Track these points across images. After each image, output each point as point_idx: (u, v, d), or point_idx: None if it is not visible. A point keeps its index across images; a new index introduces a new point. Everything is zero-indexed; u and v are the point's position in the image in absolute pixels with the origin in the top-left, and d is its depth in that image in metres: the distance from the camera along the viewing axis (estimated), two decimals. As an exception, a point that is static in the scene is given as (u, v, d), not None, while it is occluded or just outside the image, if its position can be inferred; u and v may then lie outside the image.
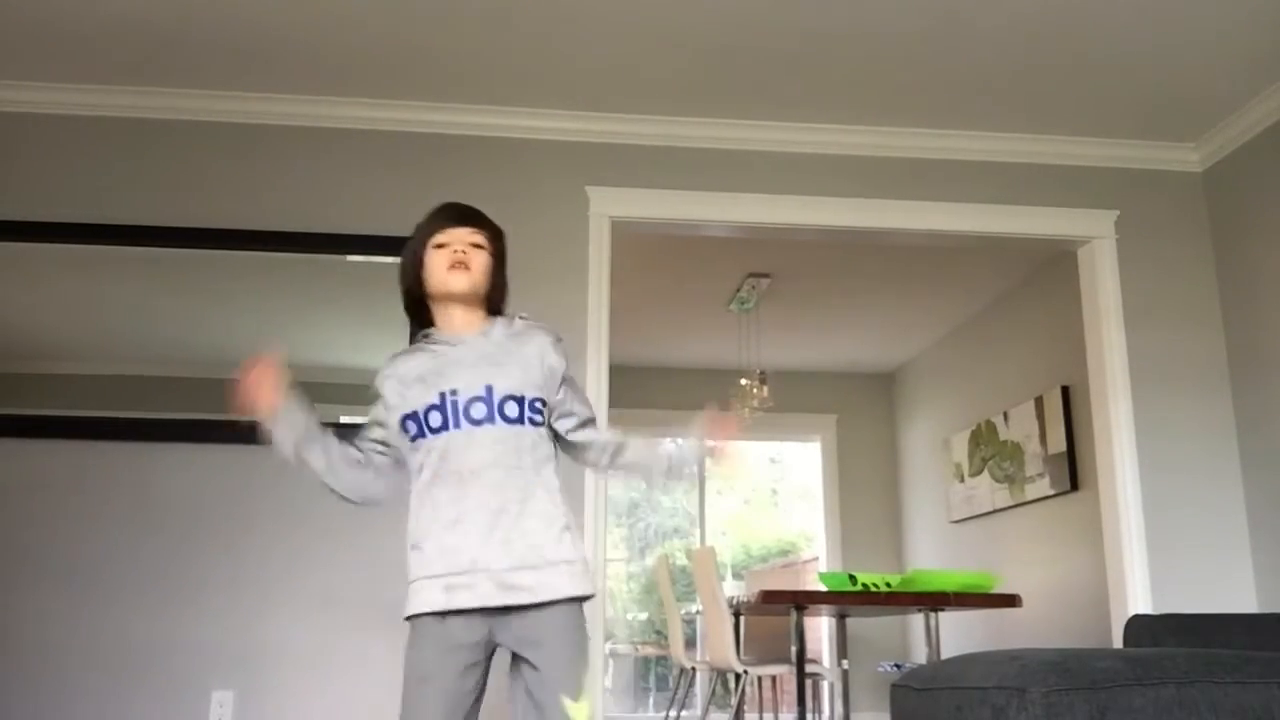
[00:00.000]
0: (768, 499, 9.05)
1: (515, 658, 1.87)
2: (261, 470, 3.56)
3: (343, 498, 2.00)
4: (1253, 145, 3.88)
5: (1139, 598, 3.72)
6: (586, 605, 1.90)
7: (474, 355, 1.92)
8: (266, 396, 1.91)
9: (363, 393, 3.68)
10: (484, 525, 1.83)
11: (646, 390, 7.42)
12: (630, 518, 8.73)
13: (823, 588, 4.09)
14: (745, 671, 4.75)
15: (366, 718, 3.42)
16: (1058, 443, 5.39)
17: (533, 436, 1.89)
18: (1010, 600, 4.09)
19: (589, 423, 2.00)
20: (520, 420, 1.88)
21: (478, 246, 1.98)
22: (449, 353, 1.93)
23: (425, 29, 3.40)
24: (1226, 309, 4.00)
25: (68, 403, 3.56)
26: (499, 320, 2.00)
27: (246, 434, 3.45)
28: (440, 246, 1.97)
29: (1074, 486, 5.26)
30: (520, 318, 2.02)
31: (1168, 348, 3.96)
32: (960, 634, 6.20)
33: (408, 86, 3.76)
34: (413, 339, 2.07)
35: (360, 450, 2.01)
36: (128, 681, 3.37)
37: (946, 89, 3.73)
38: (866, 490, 7.71)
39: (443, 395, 1.88)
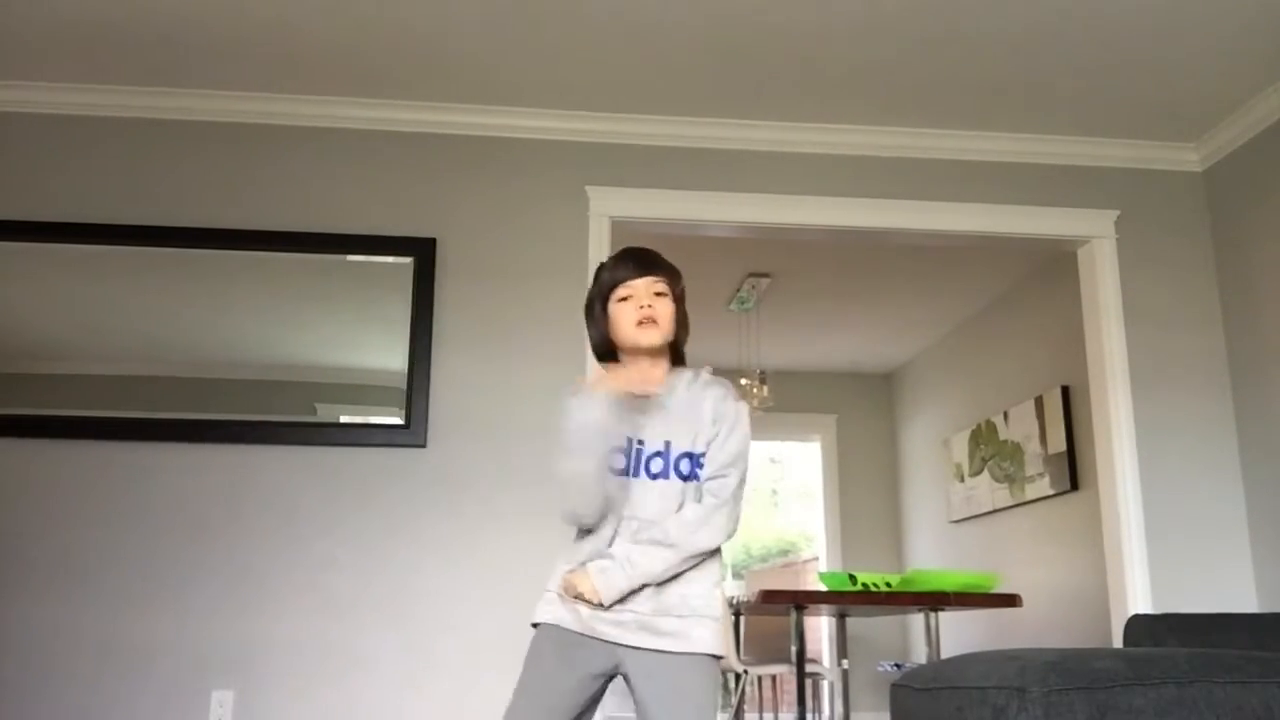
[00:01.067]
0: (768, 499, 9.05)
1: (634, 694, 1.88)
2: (261, 470, 3.57)
3: (585, 512, 1.93)
4: (1253, 145, 3.88)
5: (1139, 598, 3.72)
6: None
7: (659, 409, 1.94)
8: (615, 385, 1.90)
9: (362, 392, 3.70)
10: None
11: (646, 390, 7.42)
12: (630, 518, 8.72)
13: (823, 587, 4.09)
14: (745, 671, 4.75)
15: (366, 718, 3.42)
16: (1058, 443, 5.39)
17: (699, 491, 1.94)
18: (1010, 600, 4.09)
19: (712, 479, 1.93)
20: (692, 476, 1.91)
21: (660, 295, 1.97)
22: (637, 402, 1.94)
23: (425, 29, 3.40)
24: (1226, 309, 4.00)
25: (68, 403, 3.56)
26: (684, 374, 2.01)
27: (246, 434, 3.45)
28: (624, 300, 1.95)
29: (1074, 486, 5.26)
30: (707, 373, 2.02)
31: (1168, 348, 3.96)
32: (960, 634, 6.20)
33: (408, 86, 3.76)
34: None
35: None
36: (128, 681, 3.37)
37: (947, 89, 3.73)
38: (866, 490, 7.71)
39: (629, 442, 1.91)
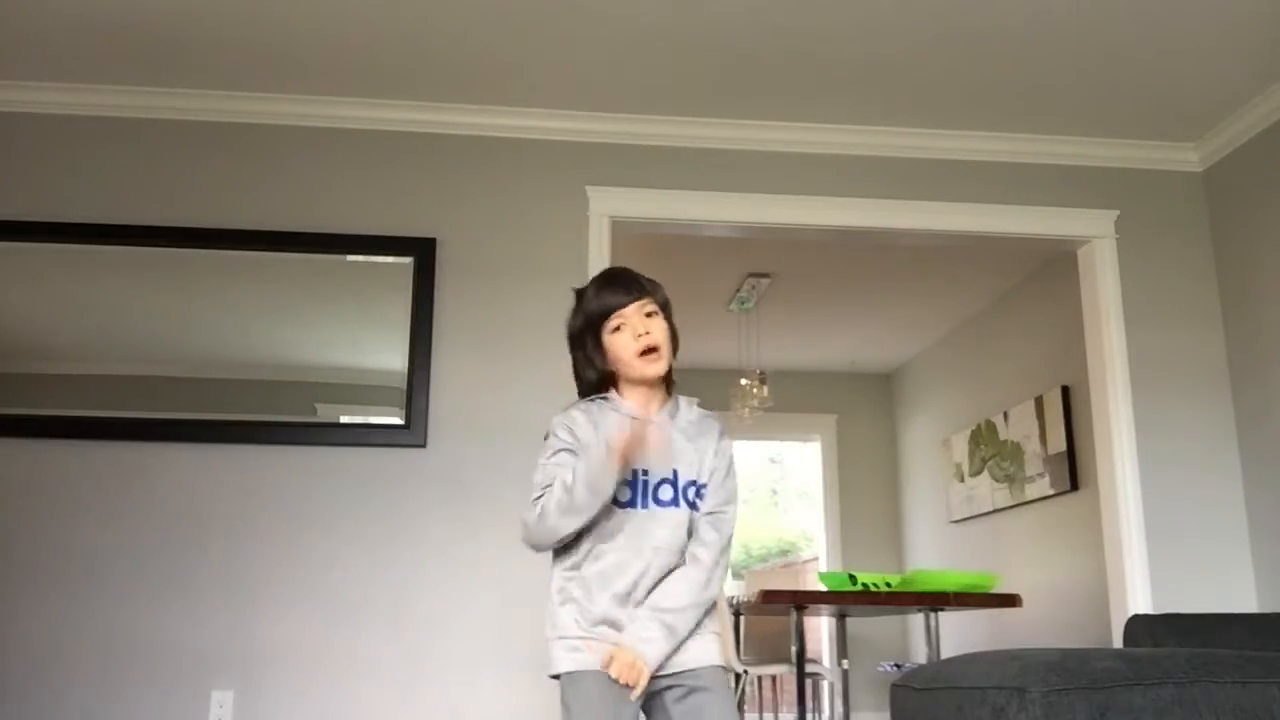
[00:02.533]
0: (768, 499, 9.05)
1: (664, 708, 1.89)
2: (261, 470, 3.57)
3: (553, 540, 1.92)
4: (1253, 145, 3.88)
5: (1139, 598, 3.72)
6: None
7: (663, 438, 1.91)
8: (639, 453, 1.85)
9: (362, 392, 3.70)
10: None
11: (646, 390, 7.41)
12: (630, 518, 8.72)
13: (823, 588, 4.09)
14: (745, 671, 4.75)
15: (366, 718, 3.42)
16: (1058, 443, 5.39)
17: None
18: (1010, 600, 4.09)
19: (710, 515, 1.94)
20: (695, 505, 1.92)
21: (650, 315, 1.95)
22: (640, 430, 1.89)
23: (425, 29, 3.40)
24: (1226, 309, 4.00)
25: (68, 403, 3.56)
26: (681, 402, 1.99)
27: (246, 434, 3.45)
28: (618, 329, 1.92)
29: (1074, 486, 5.26)
30: (697, 404, 2.02)
31: (1168, 348, 3.96)
32: (960, 634, 6.20)
33: (408, 86, 3.76)
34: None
35: None
36: (128, 681, 3.37)
37: (947, 89, 3.73)
38: (866, 490, 7.71)
39: (635, 473, 1.88)
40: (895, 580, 4.13)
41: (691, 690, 1.87)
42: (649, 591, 1.86)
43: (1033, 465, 5.64)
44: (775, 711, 6.51)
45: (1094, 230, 4.04)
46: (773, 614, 5.09)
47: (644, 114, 3.91)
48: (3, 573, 3.41)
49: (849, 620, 5.60)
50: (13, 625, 3.38)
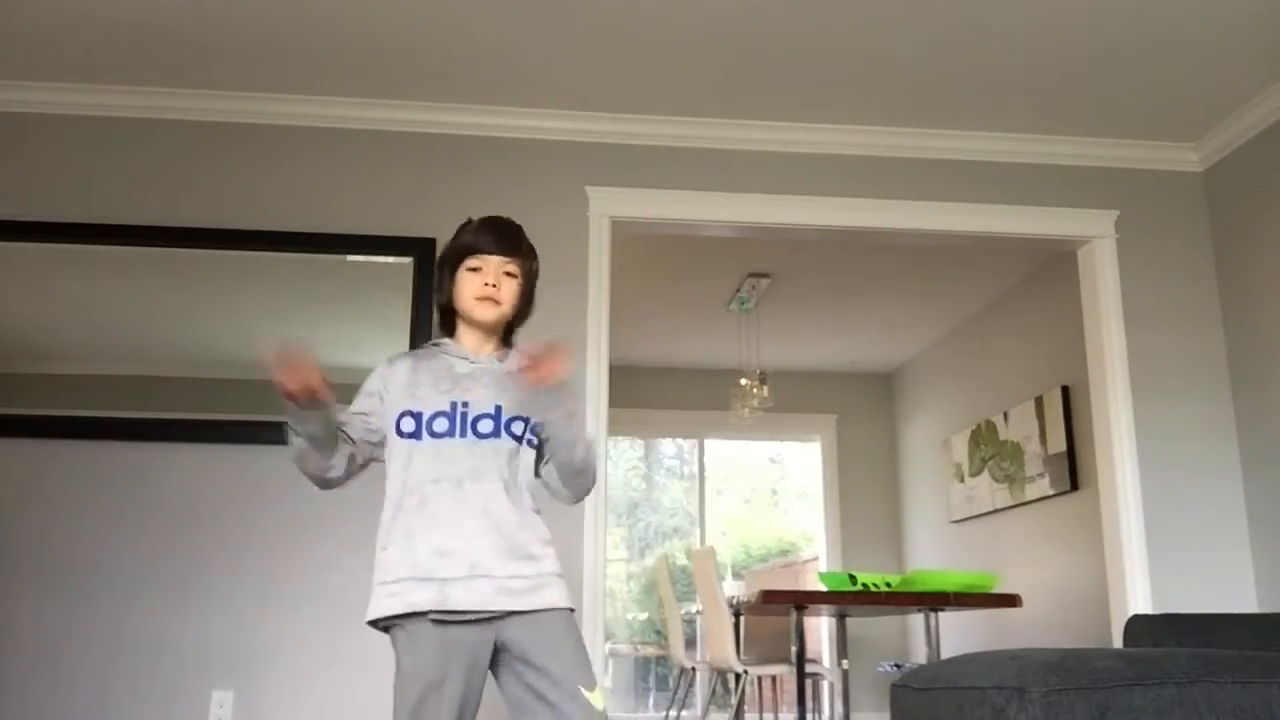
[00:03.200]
0: (768, 499, 9.05)
1: (511, 664, 1.88)
2: (261, 470, 3.57)
3: (314, 478, 2.02)
4: (1253, 145, 3.88)
5: (1139, 598, 3.72)
6: (588, 606, 1.93)
7: (488, 376, 1.99)
8: (310, 378, 1.90)
9: (363, 393, 3.70)
10: (484, 531, 1.87)
11: (646, 390, 7.43)
12: (630, 518, 8.73)
13: (823, 588, 4.09)
14: (745, 671, 4.75)
15: (366, 718, 3.42)
16: (1058, 443, 5.39)
17: (528, 458, 1.98)
18: (1010, 600, 4.09)
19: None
20: (520, 439, 1.96)
21: (509, 275, 2.03)
22: (463, 367, 2.00)
23: (425, 29, 3.40)
24: (1226, 309, 4.00)
25: (68, 403, 3.56)
26: (513, 353, 2.05)
27: (246, 434, 3.44)
28: (474, 270, 2.01)
29: (1074, 486, 5.26)
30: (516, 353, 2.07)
31: (1168, 348, 3.96)
32: (960, 634, 6.20)
33: (408, 86, 3.76)
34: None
35: (350, 437, 2.01)
36: (128, 681, 3.37)
37: (947, 89, 3.73)
38: (866, 490, 7.71)
39: (453, 404, 1.95)
40: (895, 580, 4.13)
41: (540, 648, 1.86)
42: (497, 522, 1.87)
43: (1033, 465, 5.65)
44: (775, 711, 6.51)
45: (1094, 230, 4.05)
46: (773, 614, 5.09)
47: (644, 114, 3.91)
48: (3, 573, 3.41)
49: (849, 620, 5.60)
50: (13, 625, 3.38)
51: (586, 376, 3.69)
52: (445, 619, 1.83)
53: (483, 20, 3.35)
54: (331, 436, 1.95)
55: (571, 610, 1.94)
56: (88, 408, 3.55)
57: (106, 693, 3.35)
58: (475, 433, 1.93)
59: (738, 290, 6.03)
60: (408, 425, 1.95)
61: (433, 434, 1.93)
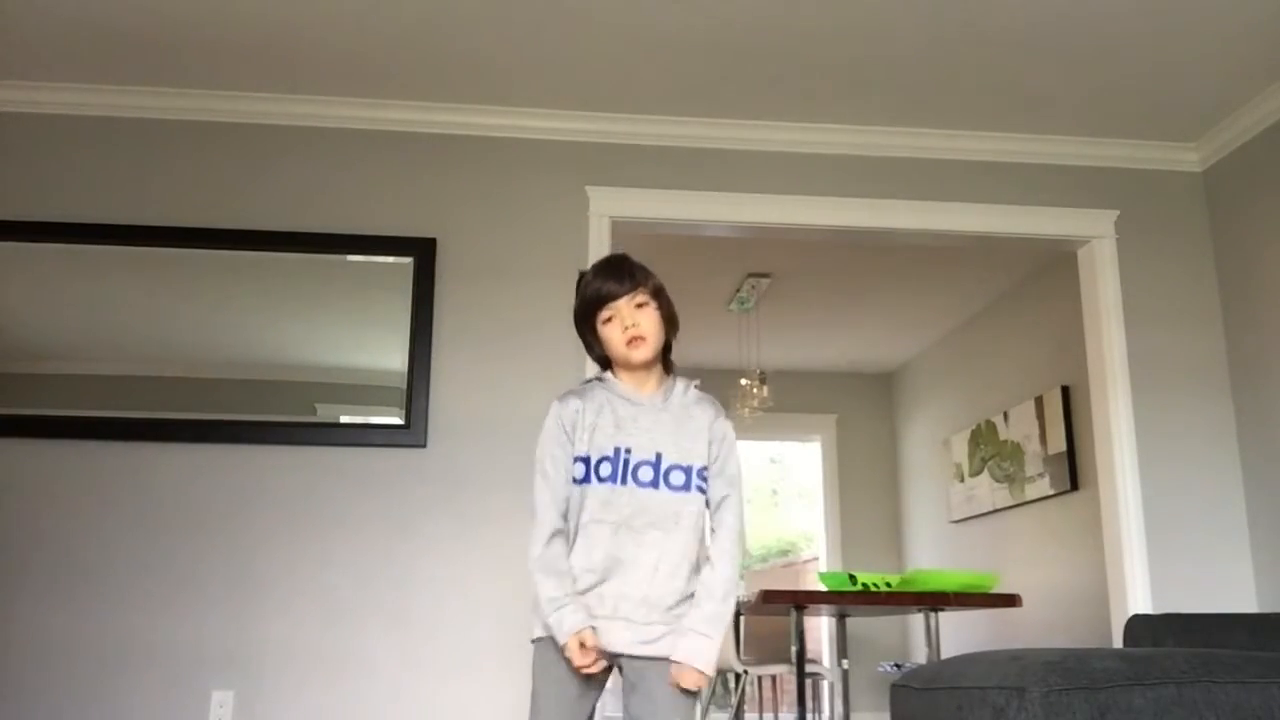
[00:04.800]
0: (768, 499, 9.05)
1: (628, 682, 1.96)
2: (261, 470, 3.57)
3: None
4: (1253, 145, 3.88)
5: (1139, 598, 3.72)
6: None
7: (650, 419, 2.01)
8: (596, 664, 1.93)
9: (362, 392, 3.70)
10: (633, 579, 1.93)
11: (646, 390, 7.41)
12: (630, 518, 8.72)
13: (823, 588, 4.09)
14: (745, 671, 4.75)
15: (366, 717, 3.42)
16: (1058, 443, 5.39)
17: (697, 504, 1.99)
18: (1010, 600, 4.09)
19: (720, 503, 2.03)
20: (686, 488, 1.98)
21: (641, 306, 2.03)
22: (628, 410, 2.02)
23: (425, 29, 3.40)
24: (1226, 309, 4.00)
25: (68, 403, 3.56)
26: (677, 382, 2.08)
27: (246, 434, 3.46)
28: (609, 320, 2.03)
29: (1074, 486, 5.26)
30: (695, 386, 2.10)
31: (1168, 348, 3.96)
32: (960, 634, 6.20)
33: (408, 86, 3.76)
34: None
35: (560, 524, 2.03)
36: (127, 681, 3.37)
37: (947, 89, 3.73)
38: (866, 490, 7.71)
39: (617, 450, 1.98)
40: (895, 580, 4.13)
41: (648, 691, 1.92)
42: (649, 570, 1.92)
43: (1033, 465, 5.64)
44: (775, 711, 6.51)
45: (1094, 230, 4.04)
46: (773, 614, 5.08)
47: (644, 114, 3.91)
48: (2, 573, 3.41)
49: (849, 620, 5.60)
50: (12, 625, 3.38)
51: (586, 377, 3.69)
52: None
53: (483, 20, 3.35)
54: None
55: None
56: (88, 408, 3.55)
57: (106, 692, 3.35)
58: (635, 480, 1.96)
59: (738, 290, 6.03)
60: (579, 472, 1.98)
61: (599, 478, 1.96)
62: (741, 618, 5.22)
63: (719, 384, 6.67)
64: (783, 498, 9.01)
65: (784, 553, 8.77)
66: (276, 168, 3.82)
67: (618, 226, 3.92)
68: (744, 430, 7.11)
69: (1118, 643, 3.51)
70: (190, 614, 3.43)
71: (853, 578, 4.06)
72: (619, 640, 1.91)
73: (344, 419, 3.69)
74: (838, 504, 7.68)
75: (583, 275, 2.10)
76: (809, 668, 4.75)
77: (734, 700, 4.93)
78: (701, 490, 1.99)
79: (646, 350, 2.01)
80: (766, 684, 6.40)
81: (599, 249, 3.82)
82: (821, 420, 7.82)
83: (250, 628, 3.44)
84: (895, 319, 6.66)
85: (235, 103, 3.81)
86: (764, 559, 8.84)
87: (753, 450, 8.77)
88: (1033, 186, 4.06)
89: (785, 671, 4.88)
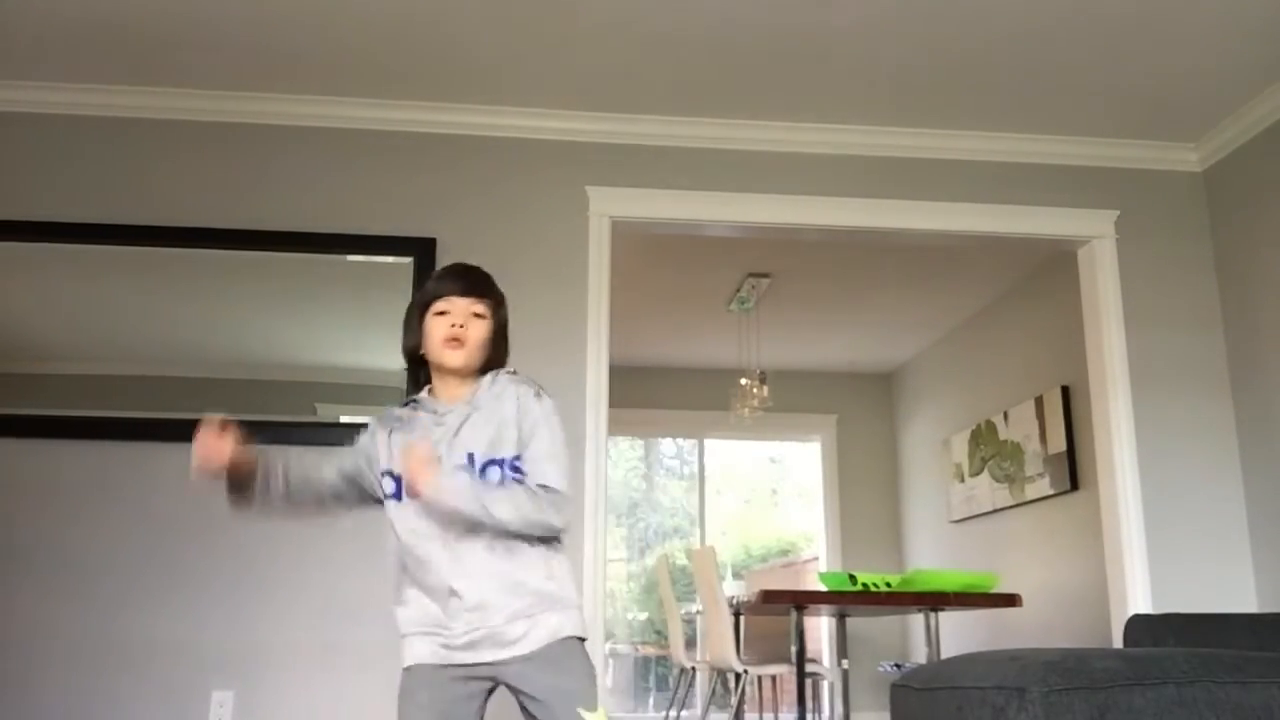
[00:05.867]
0: (768, 499, 9.05)
1: (520, 697, 1.91)
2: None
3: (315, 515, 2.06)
4: (1253, 145, 3.88)
5: (1139, 598, 3.72)
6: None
7: (457, 423, 1.94)
8: (220, 450, 1.94)
9: (363, 392, 3.70)
10: (477, 587, 1.87)
11: (646, 390, 7.43)
12: (630, 518, 8.73)
13: (823, 588, 4.09)
14: (745, 671, 4.75)
15: (366, 718, 3.42)
16: (1058, 443, 5.39)
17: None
18: (1010, 600, 4.09)
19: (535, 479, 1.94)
20: (502, 482, 1.90)
21: (478, 316, 1.99)
22: (434, 423, 1.96)
23: (425, 29, 3.40)
24: (1226, 309, 4.00)
25: (68, 403, 3.56)
26: (482, 381, 2.00)
27: (246, 434, 3.44)
28: (441, 314, 1.98)
29: (1074, 486, 5.26)
30: (507, 373, 2.02)
31: (1168, 348, 3.96)
32: (960, 634, 6.20)
33: (408, 86, 3.76)
34: (409, 390, 2.10)
35: (347, 469, 2.05)
36: (128, 681, 3.37)
37: (946, 89, 3.73)
38: (866, 490, 7.71)
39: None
40: (895, 580, 4.13)
41: (537, 685, 1.87)
42: (490, 575, 1.86)
43: (1033, 465, 5.64)
44: (775, 711, 6.51)
45: (1094, 230, 4.04)
46: (773, 614, 5.09)
47: (644, 114, 3.91)
48: (2, 572, 3.41)
49: (849, 620, 5.60)
50: (12, 625, 3.38)
51: (587, 377, 3.70)
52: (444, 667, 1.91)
53: (483, 20, 3.35)
54: (273, 473, 2.03)
55: (571, 638, 1.91)
56: (87, 408, 3.55)
57: (106, 692, 3.35)
58: (397, 499, 1.92)
59: (738, 290, 6.03)
60: (391, 487, 1.95)
61: (413, 496, 1.87)
62: (741, 618, 5.23)
63: (719, 384, 6.70)
64: (782, 498, 9.01)
65: (784, 553, 8.77)
66: (276, 168, 3.82)
67: (618, 226, 3.93)
68: (744, 430, 7.14)
69: (1118, 643, 3.51)
70: (190, 614, 3.43)
71: (853, 578, 4.06)
72: (491, 652, 1.87)
73: (344, 419, 3.69)
74: (838, 504, 7.68)
75: (435, 273, 2.10)
76: (809, 668, 4.75)
77: (734, 700, 4.93)
78: (518, 480, 1.90)
79: (460, 357, 1.95)
80: (766, 684, 6.40)
81: (599, 249, 3.82)
82: (821, 420, 7.82)
83: (250, 628, 3.44)
84: (895, 319, 6.66)
85: (235, 103, 3.81)
86: (764, 559, 8.84)
87: (752, 450, 8.77)
88: (1033, 186, 4.06)
89: (785, 671, 4.87)
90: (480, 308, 2.00)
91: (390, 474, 1.94)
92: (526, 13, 3.31)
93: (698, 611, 6.14)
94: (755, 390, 6.24)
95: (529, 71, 3.65)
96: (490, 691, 1.93)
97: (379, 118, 3.86)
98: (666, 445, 8.76)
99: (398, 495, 1.92)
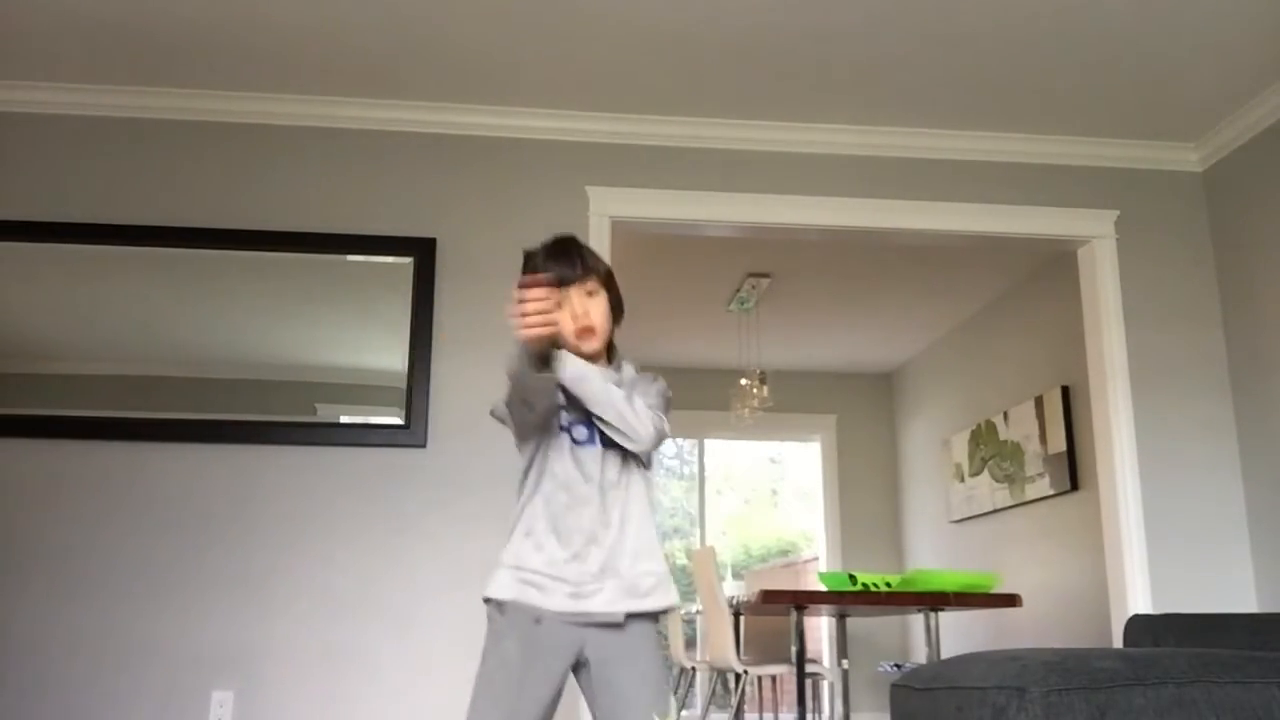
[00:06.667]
0: (768, 499, 9.05)
1: (594, 672, 1.90)
2: (262, 470, 3.57)
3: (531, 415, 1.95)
4: (1253, 145, 3.88)
5: (1139, 598, 3.72)
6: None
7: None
8: (551, 315, 1.81)
9: (362, 392, 3.70)
10: (580, 540, 1.89)
11: (646, 390, 7.41)
12: (630, 518, 8.73)
13: (823, 588, 4.09)
14: (745, 671, 4.75)
15: (366, 718, 3.42)
16: (1058, 443, 5.39)
17: (631, 461, 1.95)
18: (1010, 600, 4.09)
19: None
20: (616, 445, 1.92)
21: (593, 295, 2.00)
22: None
23: (425, 29, 3.40)
24: (1226, 309, 4.00)
25: (68, 403, 3.56)
26: (624, 364, 2.03)
27: (246, 434, 3.43)
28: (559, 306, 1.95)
29: (1074, 486, 5.26)
30: (630, 365, 2.06)
31: (1168, 348, 3.96)
32: (960, 634, 6.20)
33: (408, 86, 3.76)
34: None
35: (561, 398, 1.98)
36: (128, 681, 3.37)
37: (947, 89, 3.73)
38: (866, 490, 7.71)
39: (561, 408, 1.94)
40: (895, 580, 4.13)
41: (617, 659, 1.87)
42: (590, 531, 1.88)
43: (1033, 465, 5.64)
44: (775, 711, 6.51)
45: (1094, 230, 4.05)
46: (773, 614, 5.09)
47: (644, 114, 3.91)
48: (2, 572, 3.41)
49: (849, 620, 5.60)
50: (12, 625, 3.38)
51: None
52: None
53: (483, 20, 3.35)
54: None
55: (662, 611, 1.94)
56: (88, 408, 3.55)
57: (106, 692, 3.35)
58: (573, 439, 1.93)
59: (738, 290, 6.03)
60: (580, 433, 1.94)
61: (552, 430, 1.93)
62: (741, 618, 5.23)
63: (719, 384, 6.70)
64: (782, 498, 9.01)
65: (784, 553, 8.77)
66: (276, 168, 3.82)
67: (618, 226, 3.93)
68: (744, 430, 7.13)
69: (1118, 643, 3.51)
70: (190, 614, 3.43)
71: (853, 578, 4.06)
72: (575, 604, 1.87)
73: (344, 419, 3.69)
74: (838, 504, 7.68)
75: (531, 256, 2.05)
76: (809, 668, 4.75)
77: (734, 700, 4.93)
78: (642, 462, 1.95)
79: (595, 342, 1.97)
80: (766, 684, 6.40)
81: (599, 249, 3.81)
82: (821, 420, 7.82)
83: (250, 628, 3.44)
84: (895, 319, 6.66)
85: (235, 103, 3.81)
86: (764, 559, 8.84)
87: (752, 450, 8.77)
88: (1033, 186, 4.06)
89: (785, 671, 4.87)
90: (592, 284, 2.01)
91: (584, 422, 1.92)
92: (526, 13, 3.31)
93: (697, 611, 6.14)
94: (755, 390, 6.24)
95: (529, 71, 3.65)
96: (573, 664, 1.91)
97: (379, 118, 3.86)
98: (666, 445, 8.77)
99: (589, 440, 1.92)
